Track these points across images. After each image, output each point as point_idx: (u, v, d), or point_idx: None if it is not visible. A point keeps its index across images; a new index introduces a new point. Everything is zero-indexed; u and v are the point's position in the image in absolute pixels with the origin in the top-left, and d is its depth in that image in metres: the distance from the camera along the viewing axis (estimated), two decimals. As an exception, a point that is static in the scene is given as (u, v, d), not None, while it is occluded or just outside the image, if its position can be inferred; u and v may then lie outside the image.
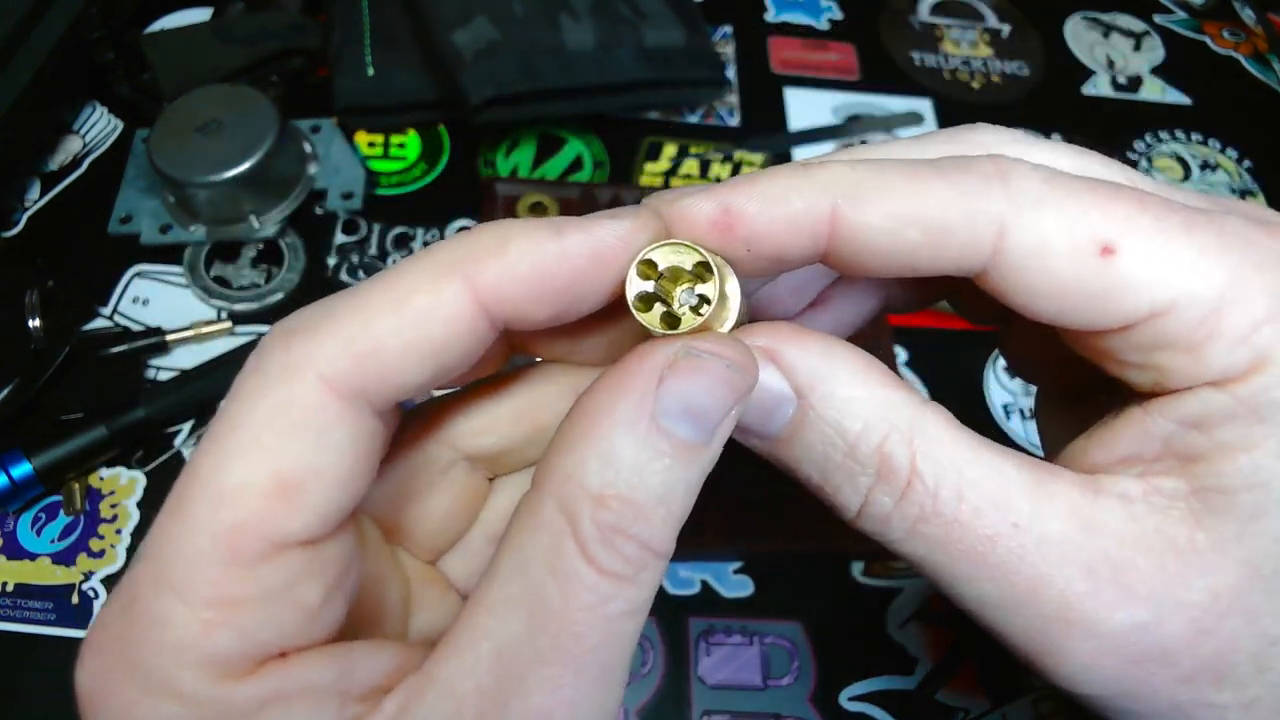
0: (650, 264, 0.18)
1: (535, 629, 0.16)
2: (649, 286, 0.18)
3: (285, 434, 0.16)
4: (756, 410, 0.19)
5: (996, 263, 0.18)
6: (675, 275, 0.18)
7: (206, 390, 0.46)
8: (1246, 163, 0.64)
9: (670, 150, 0.60)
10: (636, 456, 0.16)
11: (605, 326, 0.21)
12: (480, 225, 0.18)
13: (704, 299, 0.18)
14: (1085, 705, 0.18)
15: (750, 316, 0.22)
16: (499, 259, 0.17)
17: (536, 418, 0.23)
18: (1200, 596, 0.17)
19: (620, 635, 0.17)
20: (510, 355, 0.23)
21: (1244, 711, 0.17)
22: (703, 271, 0.18)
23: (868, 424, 0.18)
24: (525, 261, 0.17)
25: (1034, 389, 0.52)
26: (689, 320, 0.18)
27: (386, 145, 0.58)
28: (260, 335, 0.21)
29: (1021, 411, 0.52)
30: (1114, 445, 0.19)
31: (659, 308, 0.19)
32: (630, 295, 0.18)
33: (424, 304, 0.17)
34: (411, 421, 0.22)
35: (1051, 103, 0.66)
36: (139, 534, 0.43)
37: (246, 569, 0.16)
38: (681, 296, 0.19)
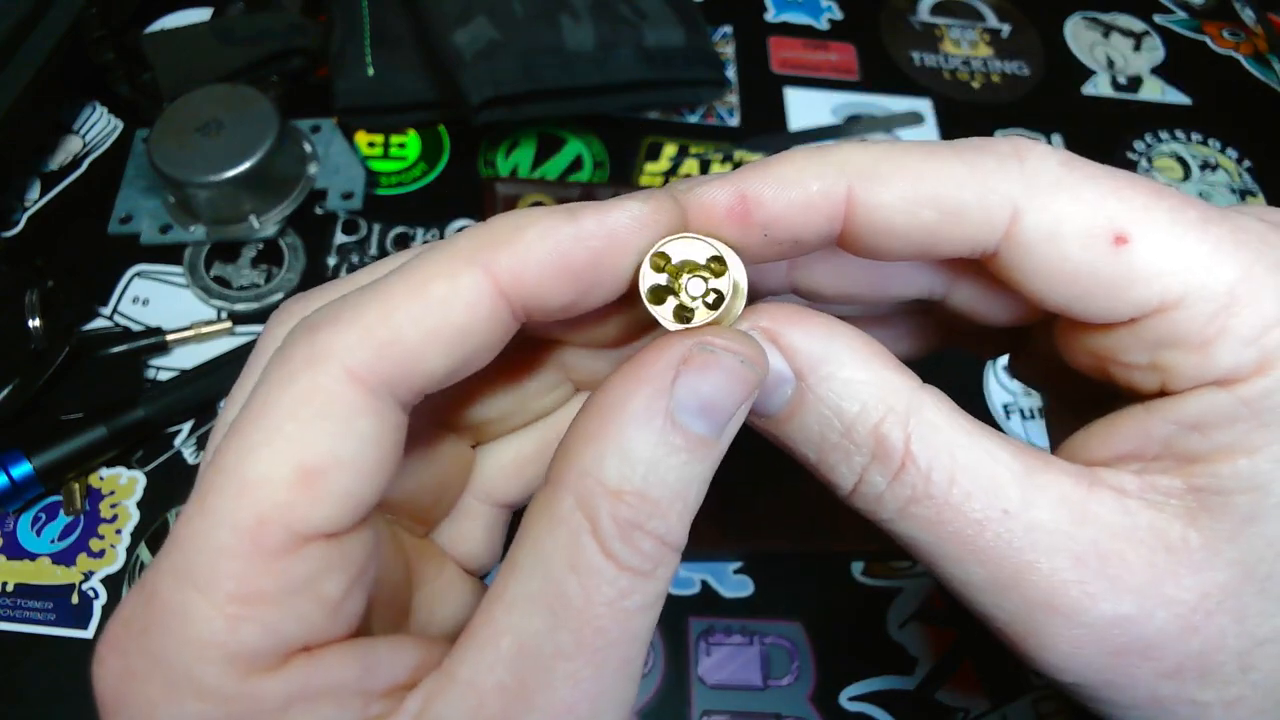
0: (664, 256, 0.18)
1: (557, 624, 0.16)
2: (662, 279, 0.19)
3: (309, 423, 0.16)
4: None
5: (1008, 245, 0.18)
6: (687, 267, 0.19)
7: (206, 390, 0.46)
8: (1246, 163, 0.64)
9: (670, 150, 0.60)
10: (653, 452, 0.17)
11: (622, 315, 0.22)
12: (498, 215, 0.18)
13: (718, 294, 0.18)
14: (1067, 693, 0.19)
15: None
16: (516, 245, 0.17)
17: (522, 386, 0.23)
18: (1189, 594, 0.17)
19: (638, 629, 0.17)
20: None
21: (1226, 710, 0.17)
22: (715, 265, 0.18)
23: (865, 406, 0.18)
24: (541, 247, 0.17)
25: (1034, 389, 0.52)
26: (702, 314, 0.18)
27: (386, 145, 0.58)
28: (258, 336, 0.21)
29: (1021, 411, 0.52)
30: (1113, 443, 0.19)
31: (672, 300, 0.19)
32: (644, 288, 0.18)
33: (443, 292, 0.17)
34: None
35: (1051, 103, 0.66)
36: (139, 534, 0.43)
37: (269, 562, 0.16)
38: (690, 287, 0.19)
